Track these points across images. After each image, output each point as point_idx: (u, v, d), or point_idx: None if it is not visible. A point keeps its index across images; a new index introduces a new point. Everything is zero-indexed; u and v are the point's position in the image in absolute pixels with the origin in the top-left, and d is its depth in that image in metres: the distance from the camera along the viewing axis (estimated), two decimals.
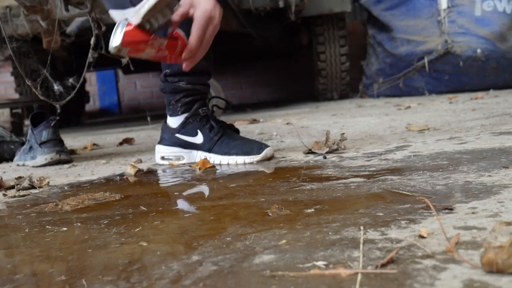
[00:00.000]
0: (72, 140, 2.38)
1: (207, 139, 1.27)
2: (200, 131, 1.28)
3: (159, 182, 1.09)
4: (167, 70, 1.28)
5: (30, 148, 1.60)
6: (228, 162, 1.22)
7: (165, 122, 1.34)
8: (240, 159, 1.21)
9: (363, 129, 1.66)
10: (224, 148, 1.24)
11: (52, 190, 1.09)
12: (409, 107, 2.37)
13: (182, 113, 1.29)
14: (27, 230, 0.73)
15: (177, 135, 1.30)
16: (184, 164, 1.29)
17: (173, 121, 1.31)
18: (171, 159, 1.30)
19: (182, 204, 0.82)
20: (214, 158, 1.25)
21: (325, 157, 1.15)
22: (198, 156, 1.28)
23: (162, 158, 1.32)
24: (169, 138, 1.32)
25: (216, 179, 1.04)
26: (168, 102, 1.31)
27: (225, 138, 1.26)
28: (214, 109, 1.33)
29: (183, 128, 1.29)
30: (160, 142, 1.34)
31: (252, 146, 1.22)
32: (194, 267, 0.51)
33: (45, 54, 1.79)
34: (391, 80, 3.31)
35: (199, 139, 1.28)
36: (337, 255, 0.50)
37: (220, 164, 1.23)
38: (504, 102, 2.13)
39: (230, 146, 1.24)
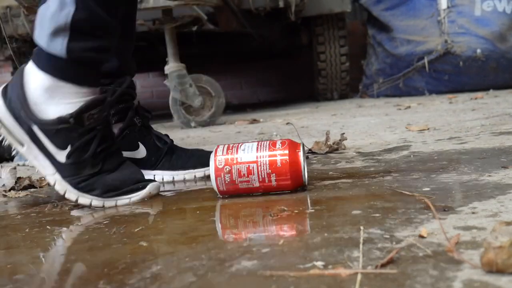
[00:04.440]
0: None
1: (153, 152, 1.04)
2: (142, 143, 1.04)
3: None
4: None
5: None
6: (185, 177, 1.03)
7: None
8: (199, 172, 1.03)
9: (363, 129, 1.66)
10: (176, 162, 1.04)
11: (52, 190, 1.09)
12: (409, 107, 2.37)
13: (117, 122, 1.04)
14: (27, 230, 0.73)
15: None
16: None
17: None
18: None
19: (182, 204, 0.82)
20: (163, 175, 1.04)
21: (325, 157, 1.15)
22: None
23: None
24: None
25: None
26: None
27: (174, 150, 1.06)
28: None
29: (118, 141, 1.01)
30: None
31: (209, 155, 1.06)
32: (193, 267, 0.51)
33: None
34: (391, 80, 3.31)
35: (141, 153, 1.04)
36: (337, 255, 0.50)
37: (173, 182, 1.03)
38: (504, 102, 2.13)
39: (184, 158, 1.04)
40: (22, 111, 0.84)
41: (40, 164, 0.86)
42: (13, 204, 0.97)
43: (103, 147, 0.87)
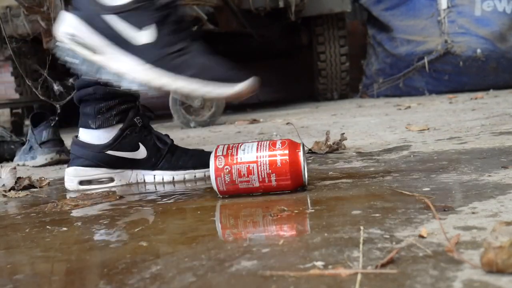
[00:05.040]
0: None
1: (153, 153, 1.04)
2: (143, 144, 1.04)
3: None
4: None
5: (30, 148, 1.60)
6: (185, 177, 1.03)
7: (77, 137, 1.06)
8: (200, 172, 1.03)
9: (363, 129, 1.66)
10: (176, 162, 1.04)
11: (52, 190, 1.09)
12: (409, 107, 2.37)
13: (118, 122, 1.03)
14: (27, 230, 0.73)
15: (109, 152, 1.03)
16: (116, 186, 1.05)
17: (100, 135, 1.03)
18: (95, 182, 1.05)
19: (182, 204, 0.82)
20: (163, 176, 1.04)
21: (325, 157, 1.15)
22: (134, 175, 1.06)
23: (81, 182, 1.05)
24: (92, 157, 1.04)
25: None
26: (96, 110, 1.02)
27: (174, 150, 1.05)
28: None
29: (117, 142, 1.03)
30: (75, 163, 1.05)
31: (210, 156, 1.05)
32: (193, 267, 0.51)
33: (46, 54, 1.79)
34: (391, 80, 3.32)
35: (141, 153, 1.04)
36: (337, 255, 0.50)
37: (173, 182, 1.04)
38: (504, 102, 2.13)
39: (184, 158, 1.04)
40: (94, 6, 0.82)
41: (122, 64, 0.81)
42: (13, 204, 0.97)
43: (185, 25, 0.84)
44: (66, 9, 0.87)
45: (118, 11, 0.81)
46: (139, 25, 0.81)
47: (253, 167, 0.78)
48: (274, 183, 0.79)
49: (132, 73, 0.80)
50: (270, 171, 0.78)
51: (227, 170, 0.79)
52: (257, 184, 0.79)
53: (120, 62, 0.81)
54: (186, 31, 0.83)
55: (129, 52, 0.81)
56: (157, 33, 0.81)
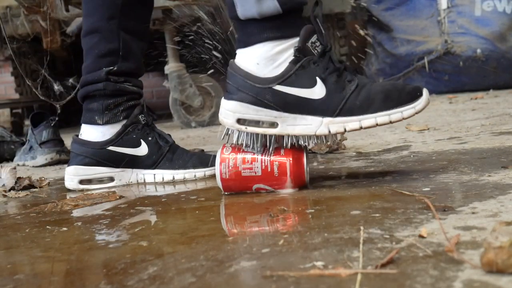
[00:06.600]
0: None
1: (154, 151, 1.05)
2: (144, 141, 1.06)
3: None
4: (111, 68, 1.04)
5: (30, 148, 1.61)
6: (185, 176, 1.04)
7: (77, 135, 1.08)
8: (200, 172, 1.04)
9: None
10: (176, 161, 1.05)
11: (52, 190, 1.09)
12: None
13: (124, 118, 1.06)
14: (27, 230, 0.73)
15: (111, 147, 1.04)
16: (116, 186, 1.05)
17: (105, 131, 1.05)
18: (95, 182, 1.06)
19: (182, 204, 0.82)
20: (163, 175, 1.05)
21: (325, 157, 1.15)
22: (134, 175, 1.06)
23: (81, 182, 1.05)
24: (92, 154, 1.04)
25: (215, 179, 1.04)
26: (105, 106, 1.04)
27: (175, 150, 1.07)
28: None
29: (120, 138, 1.04)
30: (75, 162, 1.06)
31: (210, 157, 1.05)
32: (193, 268, 0.51)
33: (47, 54, 1.79)
34: (391, 80, 3.31)
35: (142, 150, 1.05)
36: (337, 255, 0.50)
37: (173, 181, 1.05)
38: (504, 102, 2.13)
39: (184, 157, 1.06)
40: (256, 86, 0.80)
41: (302, 126, 0.81)
42: (13, 204, 0.97)
43: (342, 65, 0.82)
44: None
45: (283, 80, 0.80)
46: (309, 85, 0.80)
47: (257, 156, 0.82)
48: (276, 171, 0.81)
49: (320, 129, 0.80)
50: (273, 158, 0.81)
51: (233, 156, 0.83)
52: (259, 172, 0.81)
53: (301, 125, 0.81)
54: (345, 70, 0.82)
55: (306, 113, 0.80)
56: (325, 86, 0.80)
